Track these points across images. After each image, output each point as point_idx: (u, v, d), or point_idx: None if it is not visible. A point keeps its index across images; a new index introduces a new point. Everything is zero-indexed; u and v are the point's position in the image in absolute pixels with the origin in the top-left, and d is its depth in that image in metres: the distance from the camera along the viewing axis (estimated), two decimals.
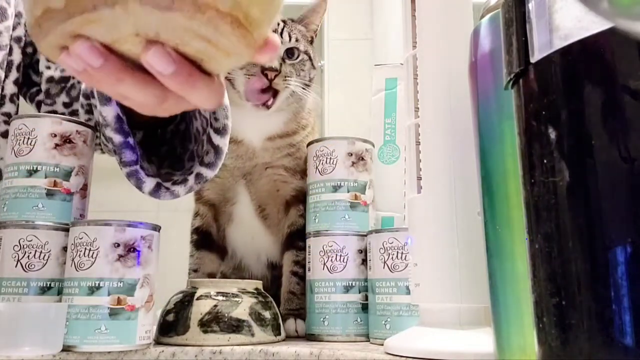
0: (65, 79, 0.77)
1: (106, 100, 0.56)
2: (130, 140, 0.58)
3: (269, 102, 0.70)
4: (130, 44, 0.31)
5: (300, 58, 0.74)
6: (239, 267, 0.81)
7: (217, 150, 0.61)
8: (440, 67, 0.51)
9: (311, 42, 0.79)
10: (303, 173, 0.76)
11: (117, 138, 0.57)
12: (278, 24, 0.74)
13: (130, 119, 0.59)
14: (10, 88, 0.76)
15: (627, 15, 0.15)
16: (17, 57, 0.76)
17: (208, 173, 0.62)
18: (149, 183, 0.59)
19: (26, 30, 0.78)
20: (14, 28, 0.75)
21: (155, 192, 0.60)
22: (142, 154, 0.61)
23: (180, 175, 0.62)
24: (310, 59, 0.76)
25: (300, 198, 0.76)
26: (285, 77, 0.71)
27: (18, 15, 0.77)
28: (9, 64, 0.75)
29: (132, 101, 0.36)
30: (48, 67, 0.77)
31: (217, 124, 0.61)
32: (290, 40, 0.73)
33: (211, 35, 0.28)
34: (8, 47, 0.75)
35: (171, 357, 0.56)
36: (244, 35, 0.28)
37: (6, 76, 0.75)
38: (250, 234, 0.79)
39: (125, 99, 0.36)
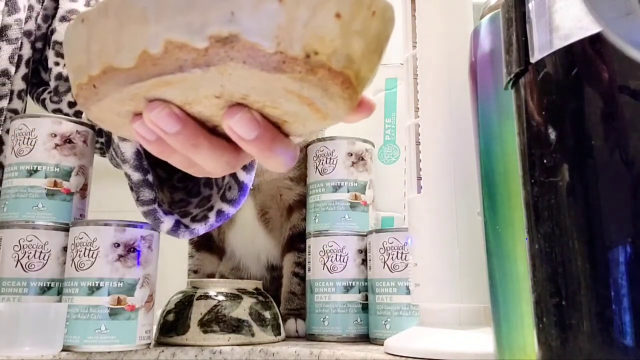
0: None
1: None
2: (150, 177, 0.54)
3: None
4: (204, 106, 0.26)
5: None
6: (237, 267, 0.81)
7: (241, 186, 0.56)
8: (440, 67, 0.51)
9: None
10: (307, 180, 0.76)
11: (136, 176, 0.53)
12: None
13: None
14: (18, 84, 0.73)
15: (620, 21, 0.15)
16: (26, 51, 0.74)
17: (230, 210, 0.57)
18: (167, 222, 0.55)
19: (37, 25, 0.75)
20: (25, 21, 0.73)
21: (175, 231, 0.56)
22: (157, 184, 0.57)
23: (197, 208, 0.58)
24: None
25: (303, 202, 0.75)
26: None
27: (29, 8, 0.74)
28: (19, 59, 0.73)
29: (198, 169, 0.33)
30: (57, 64, 0.74)
31: None
32: None
33: (318, 97, 0.24)
34: (19, 41, 0.72)
35: (171, 357, 0.56)
36: (351, 96, 0.25)
37: (15, 71, 0.72)
38: (251, 237, 0.79)
39: (192, 166, 0.33)
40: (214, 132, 0.29)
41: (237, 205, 0.56)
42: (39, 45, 0.76)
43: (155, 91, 0.24)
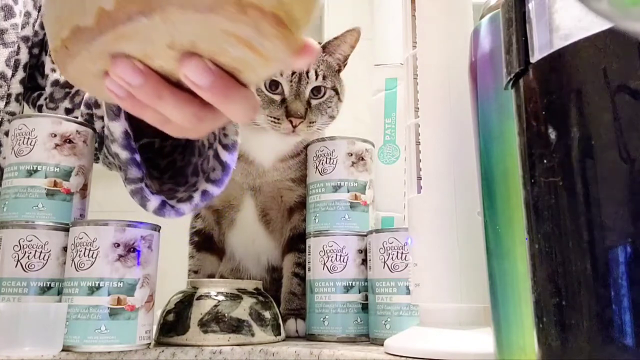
0: (70, 84, 0.76)
1: (115, 115, 0.55)
2: (137, 157, 0.56)
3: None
4: (163, 60, 0.30)
5: (327, 96, 0.72)
6: (237, 269, 0.81)
7: (224, 166, 0.59)
8: (440, 67, 0.51)
9: (338, 71, 0.77)
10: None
11: (124, 154, 0.55)
12: None
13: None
14: (16, 87, 0.75)
15: (627, 15, 0.15)
16: (24, 56, 0.76)
17: (214, 190, 0.60)
18: (154, 201, 0.57)
19: (35, 31, 0.77)
20: (22, 27, 0.75)
21: (160, 210, 0.58)
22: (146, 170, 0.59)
23: (184, 192, 0.60)
24: (337, 93, 0.74)
25: (304, 203, 0.75)
26: (310, 122, 0.69)
27: (27, 14, 0.76)
28: (16, 63, 0.75)
29: (172, 125, 0.36)
30: (54, 70, 0.77)
31: (225, 140, 0.59)
32: (317, 78, 0.71)
33: (253, 38, 0.27)
34: (16, 45, 0.74)
35: (171, 357, 0.56)
36: (286, 36, 0.27)
37: (13, 75, 0.74)
38: (252, 238, 0.79)
39: (165, 123, 0.36)
40: (178, 86, 0.33)
41: (220, 185, 0.59)
42: (35, 51, 0.78)
43: (116, 45, 0.28)
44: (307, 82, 0.70)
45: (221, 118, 0.36)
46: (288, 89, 0.69)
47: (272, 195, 0.76)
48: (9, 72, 0.73)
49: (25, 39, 0.76)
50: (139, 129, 0.57)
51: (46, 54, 0.77)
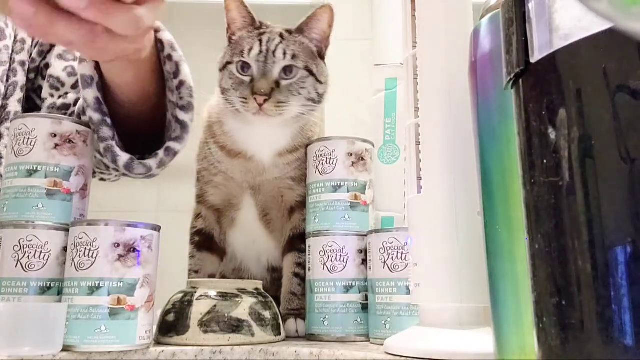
0: (66, 106, 0.82)
1: (88, 84, 0.66)
2: (108, 119, 0.66)
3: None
4: None
5: (298, 76, 0.70)
6: (239, 269, 0.81)
7: (182, 125, 0.70)
8: (440, 67, 0.51)
9: (320, 55, 0.74)
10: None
11: (96, 116, 0.65)
12: (273, 40, 0.70)
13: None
14: (14, 105, 0.81)
15: (627, 15, 0.15)
16: (21, 79, 0.82)
17: (176, 146, 0.70)
18: (124, 157, 0.67)
19: (32, 58, 0.85)
20: (17, 52, 0.83)
21: (129, 165, 0.67)
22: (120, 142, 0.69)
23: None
24: (312, 74, 0.71)
25: (304, 203, 0.75)
26: (279, 102, 0.67)
27: (21, 41, 0.83)
28: (14, 85, 0.81)
29: (75, 46, 0.48)
30: (52, 95, 0.82)
31: (182, 102, 0.70)
32: (285, 57, 0.69)
33: None
34: (7, 64, 0.81)
35: (171, 357, 0.56)
36: None
37: (10, 95, 0.81)
38: (252, 238, 0.79)
39: (70, 44, 0.47)
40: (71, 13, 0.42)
41: (181, 141, 0.71)
42: (31, 76, 0.85)
43: None
44: (274, 62, 0.69)
45: (114, 34, 0.46)
46: (256, 70, 0.69)
47: (272, 195, 0.76)
48: (2, 88, 0.80)
49: (22, 64, 0.83)
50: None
51: (44, 79, 0.84)
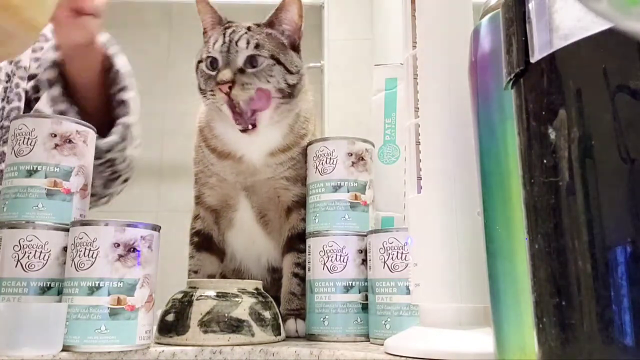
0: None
1: (49, 87, 0.85)
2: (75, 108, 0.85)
3: (251, 126, 0.68)
4: None
5: (264, 64, 0.68)
6: (238, 269, 0.81)
7: (125, 104, 0.87)
8: (440, 67, 0.51)
9: (293, 46, 0.73)
10: (304, 180, 0.75)
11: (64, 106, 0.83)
12: (237, 32, 0.69)
13: None
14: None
15: (627, 15, 0.15)
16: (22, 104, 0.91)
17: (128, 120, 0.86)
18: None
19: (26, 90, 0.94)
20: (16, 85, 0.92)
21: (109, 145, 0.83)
22: None
23: None
24: (279, 62, 0.69)
25: (301, 203, 0.75)
26: (243, 84, 0.67)
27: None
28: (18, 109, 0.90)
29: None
30: None
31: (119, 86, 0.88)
32: (247, 46, 0.68)
33: None
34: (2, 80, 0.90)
35: (171, 357, 0.56)
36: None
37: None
38: (251, 239, 0.79)
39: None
40: None
41: (128, 115, 0.88)
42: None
43: None
44: (237, 51, 0.68)
45: None
46: (220, 61, 0.69)
47: (268, 196, 0.76)
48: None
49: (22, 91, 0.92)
50: None
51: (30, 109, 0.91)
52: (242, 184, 0.75)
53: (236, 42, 0.69)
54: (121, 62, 0.87)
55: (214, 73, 0.69)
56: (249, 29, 0.71)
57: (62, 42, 0.83)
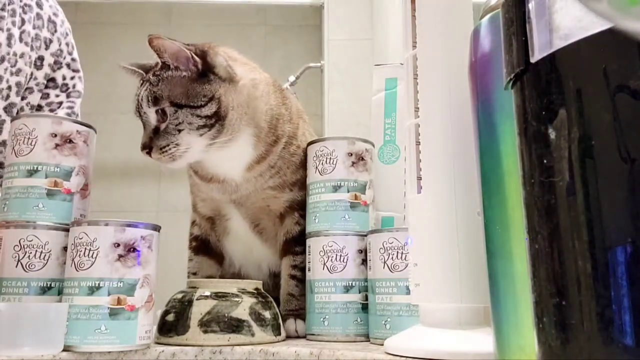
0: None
1: None
2: None
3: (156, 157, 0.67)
4: None
5: (168, 115, 0.65)
6: (238, 274, 0.81)
7: None
8: (440, 67, 0.51)
9: (199, 67, 0.67)
10: (292, 185, 0.75)
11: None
12: (141, 90, 0.67)
13: None
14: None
15: (627, 15, 0.15)
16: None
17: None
18: None
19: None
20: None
21: None
22: None
23: None
24: (181, 106, 0.65)
25: (294, 207, 0.75)
26: (161, 149, 0.65)
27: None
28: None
29: None
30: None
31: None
32: (149, 104, 0.66)
33: None
34: None
35: (171, 357, 0.56)
36: None
37: None
38: (249, 247, 0.79)
39: None
40: None
41: None
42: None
43: None
44: (145, 112, 0.67)
45: None
46: (142, 123, 0.68)
47: (259, 206, 0.76)
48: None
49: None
50: None
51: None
52: (227, 199, 0.75)
53: (141, 104, 0.67)
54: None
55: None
56: (149, 80, 0.67)
57: None
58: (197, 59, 0.67)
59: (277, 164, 0.73)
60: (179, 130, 0.65)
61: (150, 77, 0.68)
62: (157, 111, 0.66)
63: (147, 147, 0.66)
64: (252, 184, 0.73)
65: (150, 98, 0.66)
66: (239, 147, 0.70)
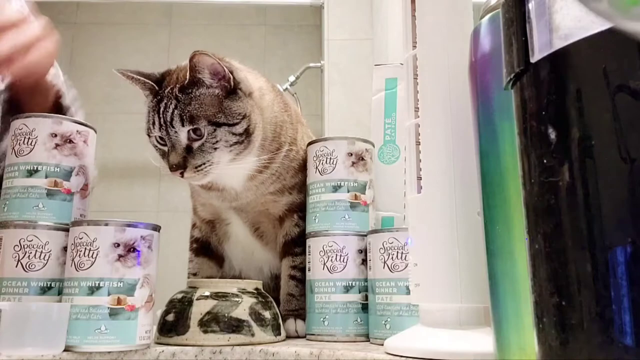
0: None
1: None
2: None
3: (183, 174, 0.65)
4: None
5: (206, 134, 0.64)
6: (239, 277, 0.81)
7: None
8: (440, 67, 0.51)
9: (228, 89, 0.66)
10: (291, 188, 0.75)
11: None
12: (168, 108, 0.64)
13: None
14: None
15: (627, 15, 0.15)
16: None
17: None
18: None
19: None
20: None
21: None
22: None
23: None
24: (220, 124, 0.65)
25: (293, 209, 0.75)
26: (197, 168, 0.64)
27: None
28: None
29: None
30: None
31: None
32: (184, 124, 0.63)
33: None
34: None
35: (171, 357, 0.56)
36: None
37: None
38: (250, 251, 0.80)
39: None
40: None
41: None
42: None
43: None
44: (176, 132, 0.64)
45: None
46: (167, 141, 0.65)
47: (258, 210, 0.76)
48: None
49: None
50: None
51: None
52: (227, 206, 0.75)
53: (171, 123, 0.64)
54: (71, 96, 0.81)
55: (165, 148, 0.66)
56: (177, 98, 0.65)
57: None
58: (230, 75, 0.66)
59: (278, 170, 0.73)
60: (215, 149, 0.65)
61: (177, 94, 0.65)
62: (189, 130, 0.64)
63: (182, 167, 0.64)
64: (253, 192, 0.73)
65: (185, 117, 0.64)
66: (242, 167, 0.70)
